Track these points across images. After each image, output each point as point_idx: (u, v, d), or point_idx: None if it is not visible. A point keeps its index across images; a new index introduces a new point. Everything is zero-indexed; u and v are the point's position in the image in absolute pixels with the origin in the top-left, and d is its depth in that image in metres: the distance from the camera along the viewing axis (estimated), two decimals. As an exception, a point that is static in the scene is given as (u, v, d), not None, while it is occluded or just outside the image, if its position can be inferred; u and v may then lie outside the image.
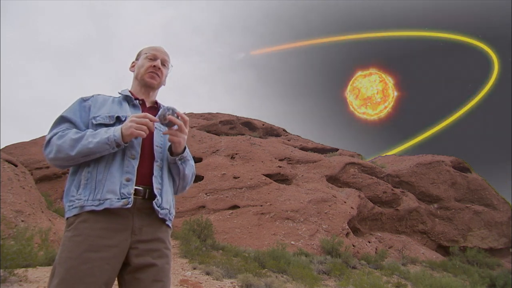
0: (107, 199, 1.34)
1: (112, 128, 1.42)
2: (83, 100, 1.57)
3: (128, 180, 1.40)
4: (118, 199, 1.35)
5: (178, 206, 15.46)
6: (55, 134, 1.42)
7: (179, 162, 1.54)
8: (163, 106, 1.50)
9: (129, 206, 1.36)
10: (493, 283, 13.52)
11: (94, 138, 1.38)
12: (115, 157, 1.43)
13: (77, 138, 1.38)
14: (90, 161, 1.42)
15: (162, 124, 1.48)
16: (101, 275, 1.27)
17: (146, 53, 1.68)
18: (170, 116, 1.44)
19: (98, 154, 1.39)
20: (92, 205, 1.34)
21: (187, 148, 1.59)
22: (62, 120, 1.49)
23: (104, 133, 1.39)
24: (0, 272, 4.66)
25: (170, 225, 1.54)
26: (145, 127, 1.40)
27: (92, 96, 1.61)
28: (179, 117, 1.47)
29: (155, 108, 1.69)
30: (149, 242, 1.41)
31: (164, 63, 1.69)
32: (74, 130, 1.45)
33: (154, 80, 1.65)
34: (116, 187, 1.37)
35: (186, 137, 1.52)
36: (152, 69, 1.64)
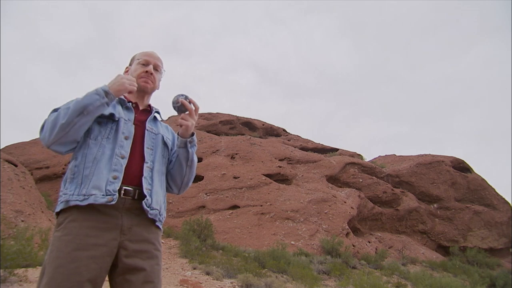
0: (92, 195, 1.35)
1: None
2: None
3: (115, 178, 1.40)
4: (103, 195, 1.36)
5: (178, 206, 15.47)
6: (47, 119, 1.44)
7: (189, 145, 1.59)
8: (177, 108, 1.58)
9: (113, 203, 1.37)
10: (493, 283, 13.52)
11: (82, 95, 1.40)
12: (104, 153, 1.43)
13: (67, 107, 1.39)
14: (78, 153, 1.43)
15: (174, 107, 1.57)
16: (87, 274, 1.27)
17: (138, 59, 1.71)
18: (182, 100, 1.54)
19: (91, 107, 1.37)
20: (77, 200, 1.35)
21: (195, 134, 1.64)
22: (54, 112, 1.50)
23: (90, 90, 1.42)
24: (0, 272, 4.67)
25: (160, 226, 1.55)
26: (136, 84, 1.50)
27: None
28: (192, 103, 1.56)
29: (148, 111, 1.72)
30: (139, 243, 1.42)
31: (156, 68, 1.72)
32: None
33: (147, 85, 1.68)
34: (102, 183, 1.37)
35: (194, 122, 1.59)
36: (144, 75, 1.67)
